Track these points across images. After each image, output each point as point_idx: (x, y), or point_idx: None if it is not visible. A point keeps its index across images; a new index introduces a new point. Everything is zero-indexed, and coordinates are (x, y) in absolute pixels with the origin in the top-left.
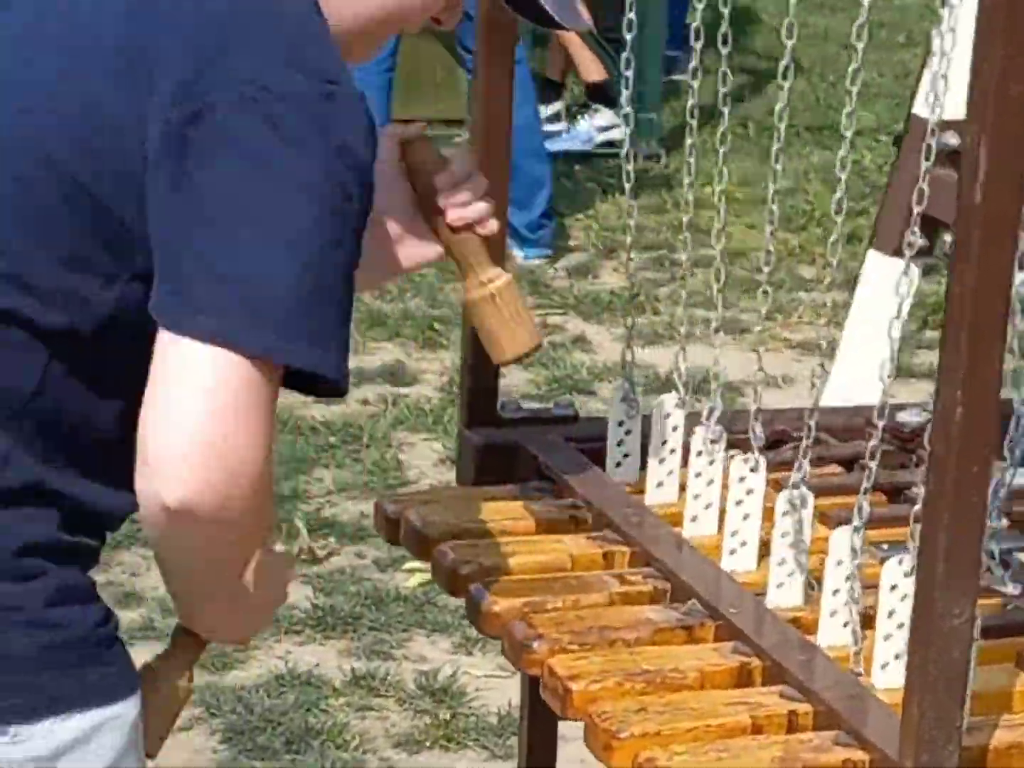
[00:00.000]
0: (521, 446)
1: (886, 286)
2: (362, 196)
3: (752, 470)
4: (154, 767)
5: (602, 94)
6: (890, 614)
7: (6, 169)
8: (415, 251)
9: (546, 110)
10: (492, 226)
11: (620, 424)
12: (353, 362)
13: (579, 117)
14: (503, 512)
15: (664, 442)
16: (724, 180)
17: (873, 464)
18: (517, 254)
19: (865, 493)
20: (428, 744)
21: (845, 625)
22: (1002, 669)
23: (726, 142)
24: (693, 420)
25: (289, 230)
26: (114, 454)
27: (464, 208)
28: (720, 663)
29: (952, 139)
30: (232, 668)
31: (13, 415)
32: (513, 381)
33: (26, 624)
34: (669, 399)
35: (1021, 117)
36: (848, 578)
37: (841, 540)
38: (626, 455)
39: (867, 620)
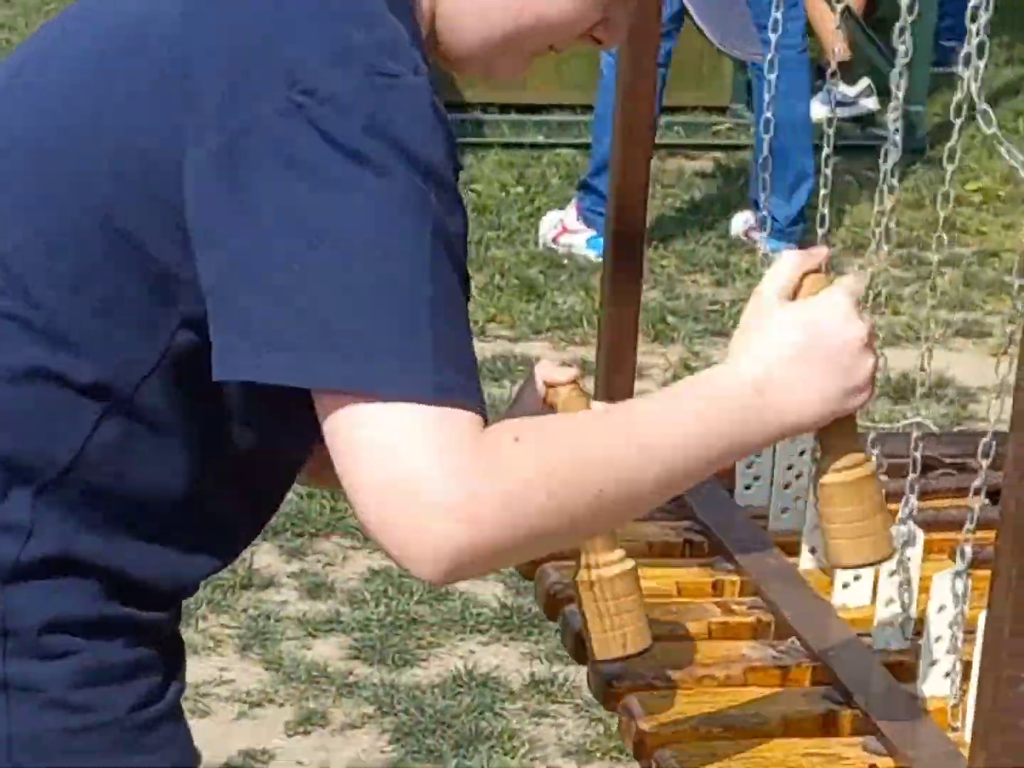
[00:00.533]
0: None
1: None
2: (442, 196)
3: None
4: (320, 765)
5: (847, 75)
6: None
7: (34, 195)
8: None
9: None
10: None
11: None
12: (580, 352)
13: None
14: (617, 534)
15: (790, 466)
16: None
17: (976, 504)
18: (764, 246)
19: (968, 535)
20: (599, 755)
21: (946, 676)
22: None
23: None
24: None
25: (360, 246)
26: (171, 519)
27: None
28: (807, 709)
29: None
30: (411, 666)
31: (44, 487)
32: None
33: (51, 705)
34: None
35: None
36: (951, 625)
37: (943, 585)
38: (756, 478)
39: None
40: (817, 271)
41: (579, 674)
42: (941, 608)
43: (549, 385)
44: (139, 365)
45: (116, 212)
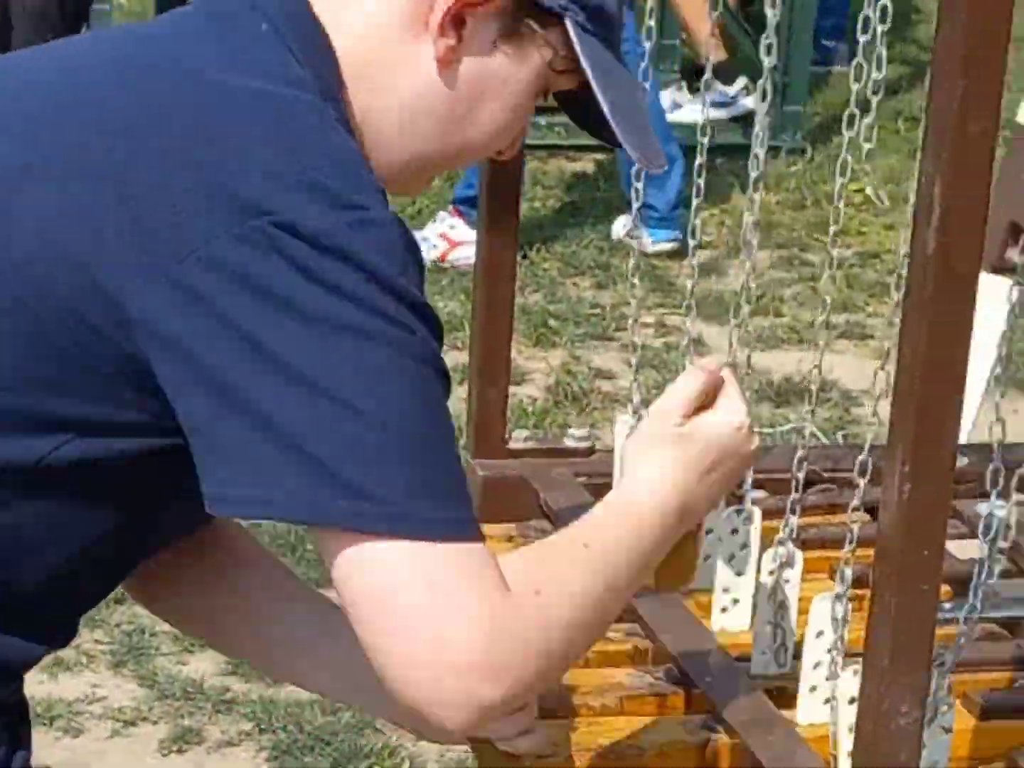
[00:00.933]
0: (525, 480)
1: (985, 303)
2: (425, 328)
3: (746, 521)
4: None
5: (724, 74)
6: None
7: None
8: None
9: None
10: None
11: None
12: (460, 357)
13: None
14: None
15: None
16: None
17: (856, 525)
18: (646, 240)
19: (848, 558)
20: None
21: (826, 702)
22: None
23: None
24: None
25: (345, 385)
26: (27, 607)
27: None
28: (684, 739)
29: None
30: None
31: None
32: (622, 383)
33: None
34: None
35: (979, 158)
36: (830, 651)
37: (821, 609)
38: None
39: None
40: (715, 387)
41: None
42: (819, 633)
43: None
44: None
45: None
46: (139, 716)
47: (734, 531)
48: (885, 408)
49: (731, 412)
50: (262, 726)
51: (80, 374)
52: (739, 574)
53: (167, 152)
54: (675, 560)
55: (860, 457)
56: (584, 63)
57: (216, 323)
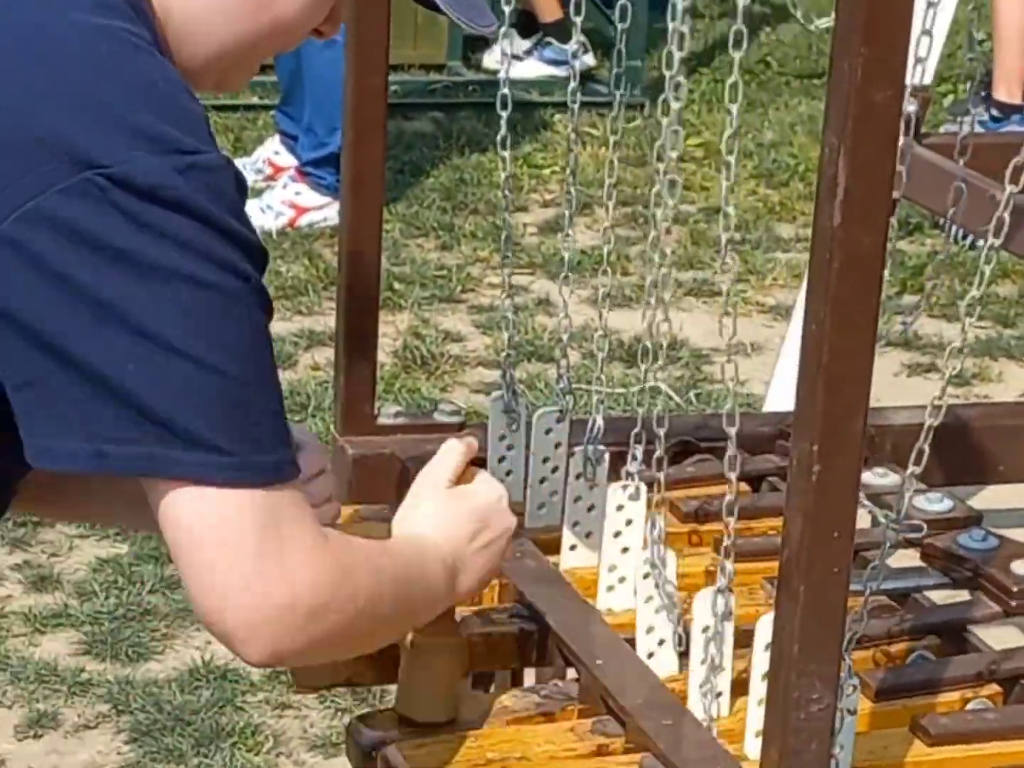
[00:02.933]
0: (397, 457)
1: None
2: (255, 269)
3: (632, 498)
4: None
5: (557, 31)
6: (764, 676)
7: None
8: None
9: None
10: None
11: (502, 438)
12: (306, 322)
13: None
14: (366, 534)
15: (545, 459)
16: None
17: (732, 520)
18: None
19: (728, 553)
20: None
21: (719, 696)
22: (894, 735)
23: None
24: (580, 431)
25: (179, 332)
26: None
27: None
28: (574, 746)
29: (910, 107)
30: (146, 660)
31: None
32: (471, 346)
33: None
34: (549, 412)
35: (884, 128)
36: (714, 643)
37: (704, 604)
38: (508, 472)
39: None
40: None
41: None
42: (705, 628)
43: None
44: None
45: None
46: None
47: (619, 507)
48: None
49: (491, 485)
50: (119, 707)
51: None
52: (625, 551)
53: None
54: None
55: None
56: None
57: (47, 279)
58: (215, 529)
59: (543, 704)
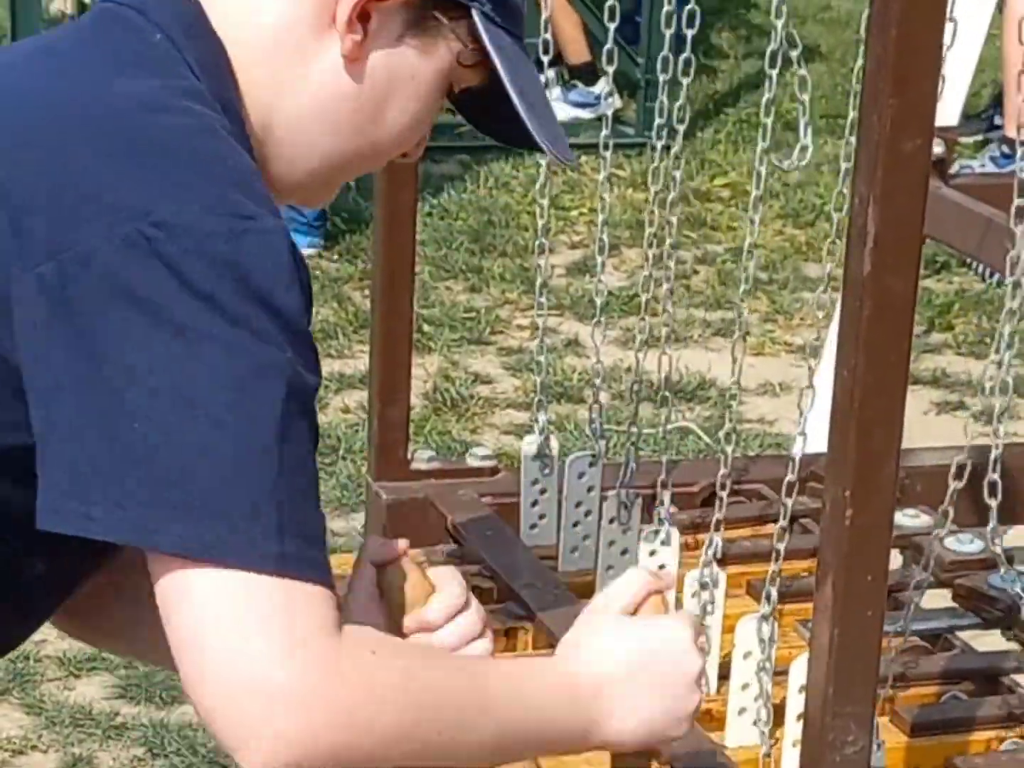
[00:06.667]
0: (431, 502)
1: None
2: (297, 347)
3: (663, 543)
4: None
5: (583, 73)
6: (799, 717)
7: None
8: None
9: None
10: None
11: (534, 483)
12: (336, 365)
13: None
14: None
15: (578, 504)
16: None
17: (782, 546)
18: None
19: (774, 579)
20: None
21: (754, 723)
22: None
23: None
24: (613, 475)
25: (203, 394)
26: None
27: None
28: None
29: (937, 147)
30: (180, 703)
31: None
32: (500, 388)
33: None
34: (581, 456)
35: (914, 177)
36: (757, 671)
37: (747, 631)
38: (542, 516)
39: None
40: (660, 593)
41: None
42: (747, 654)
43: (378, 566)
44: None
45: None
46: (28, 745)
47: (652, 553)
48: (765, 406)
49: (677, 628)
50: (154, 750)
51: None
52: None
53: (47, 162)
54: None
55: (788, 478)
56: (492, 54)
57: (75, 328)
58: (204, 621)
59: None
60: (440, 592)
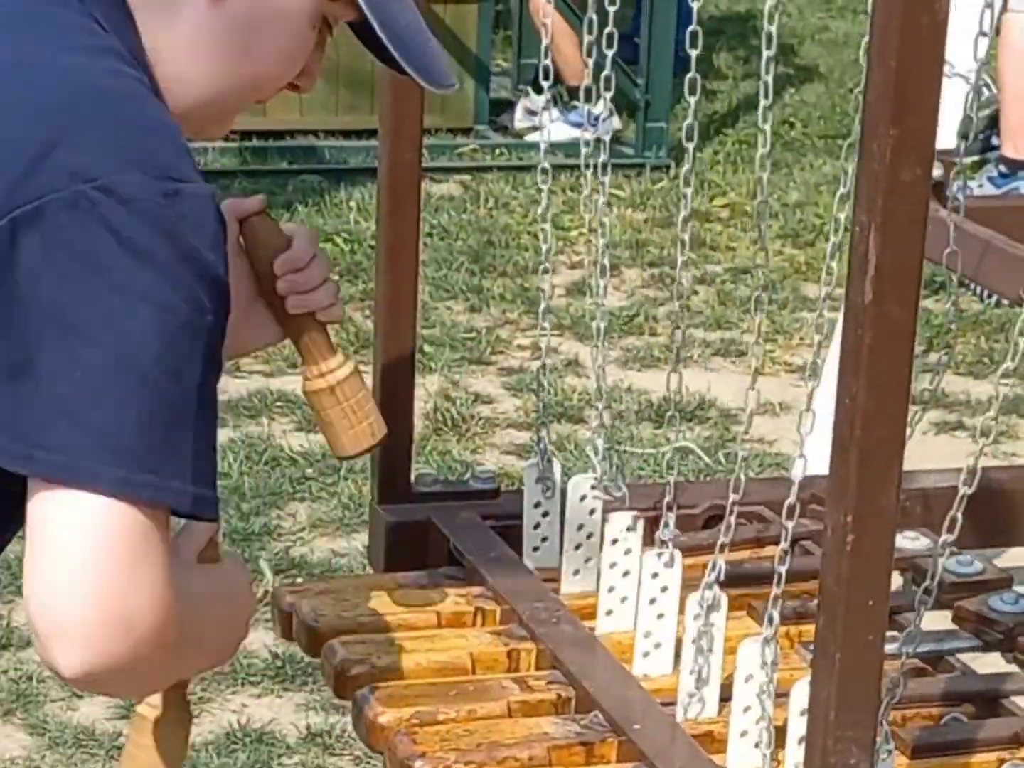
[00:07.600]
0: (434, 525)
1: None
2: (217, 305)
3: (666, 565)
4: None
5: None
6: (801, 740)
7: None
8: (253, 333)
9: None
10: (333, 313)
11: (536, 506)
12: None
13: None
14: (405, 603)
15: (580, 526)
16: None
17: (783, 569)
18: None
19: (776, 602)
20: None
21: (756, 746)
22: None
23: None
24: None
25: (134, 349)
26: None
27: (304, 295)
28: None
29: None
30: None
31: None
32: (501, 408)
33: None
34: (584, 480)
35: (914, 206)
36: (759, 694)
37: (750, 653)
38: (544, 539)
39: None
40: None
41: None
42: (748, 677)
43: (239, 219)
44: None
45: None
46: (31, 765)
47: (655, 575)
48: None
49: (237, 575)
50: None
51: None
52: (661, 617)
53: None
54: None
55: (788, 500)
56: None
57: (19, 282)
58: (87, 535)
59: (583, 735)
60: (298, 238)
